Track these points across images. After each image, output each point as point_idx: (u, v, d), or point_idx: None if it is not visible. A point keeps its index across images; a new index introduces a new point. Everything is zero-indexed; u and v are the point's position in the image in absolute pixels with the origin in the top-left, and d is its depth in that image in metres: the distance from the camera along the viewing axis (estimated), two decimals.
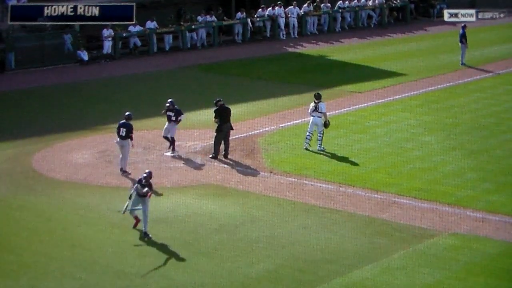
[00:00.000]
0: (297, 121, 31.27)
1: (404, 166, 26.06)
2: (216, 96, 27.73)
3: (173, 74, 40.85)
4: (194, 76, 40.10)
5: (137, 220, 21.31)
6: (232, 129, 27.04)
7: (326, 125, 27.45)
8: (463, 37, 41.40)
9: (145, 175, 21.19)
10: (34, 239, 20.90)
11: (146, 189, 20.97)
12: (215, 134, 26.85)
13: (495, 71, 40.71)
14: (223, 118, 26.77)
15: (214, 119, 26.87)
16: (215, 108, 26.93)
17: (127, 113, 25.58)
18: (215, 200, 23.36)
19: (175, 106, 27.24)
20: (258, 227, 21.42)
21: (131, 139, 25.38)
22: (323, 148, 27.35)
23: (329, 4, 52.44)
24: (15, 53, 40.32)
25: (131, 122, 25.47)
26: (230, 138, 27.20)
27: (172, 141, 27.31)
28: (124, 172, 25.44)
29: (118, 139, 25.46)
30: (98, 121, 29.44)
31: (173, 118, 27.04)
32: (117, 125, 25.61)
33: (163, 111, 27.44)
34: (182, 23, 46.12)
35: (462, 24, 41.42)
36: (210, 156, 26.83)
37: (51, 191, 24.13)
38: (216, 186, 24.56)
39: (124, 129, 25.27)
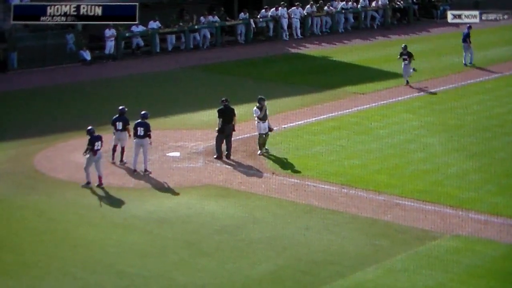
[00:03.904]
0: (300, 122, 31.26)
1: (407, 168, 26.02)
2: (219, 96, 27.69)
3: (176, 74, 40.83)
4: (196, 76, 40.08)
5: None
6: (234, 130, 27.00)
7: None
8: (467, 37, 41.22)
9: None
10: (35, 238, 20.87)
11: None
12: (217, 134, 26.83)
13: (498, 73, 40.62)
14: (225, 118, 26.73)
15: (217, 118, 26.84)
16: (219, 107, 26.88)
17: (142, 112, 25.76)
18: (217, 201, 23.33)
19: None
20: (260, 228, 21.38)
21: (149, 137, 25.48)
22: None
23: (332, 8, 52.39)
24: (18, 52, 40.33)
25: (147, 121, 25.60)
26: (232, 138, 27.15)
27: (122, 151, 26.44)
28: (145, 170, 25.51)
29: (136, 139, 25.48)
30: (100, 121, 29.34)
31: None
32: (133, 125, 25.63)
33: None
34: (181, 23, 46.09)
35: (468, 25, 41.29)
36: (215, 156, 26.79)
37: (53, 191, 24.11)
38: (218, 186, 24.52)
39: (142, 128, 25.41)
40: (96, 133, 24.37)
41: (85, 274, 18.82)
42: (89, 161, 24.30)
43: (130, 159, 26.32)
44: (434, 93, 36.30)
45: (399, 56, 37.66)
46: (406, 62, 37.12)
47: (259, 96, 27.63)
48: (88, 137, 24.28)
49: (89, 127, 24.53)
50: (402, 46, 37.83)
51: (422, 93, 35.16)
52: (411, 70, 37.26)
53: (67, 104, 34.59)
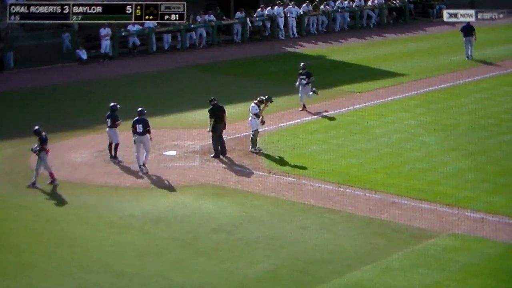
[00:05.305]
0: (297, 121, 31.31)
1: (403, 167, 26.05)
2: (216, 95, 27.72)
3: (172, 73, 40.83)
4: (193, 75, 40.08)
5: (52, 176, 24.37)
6: (225, 128, 27.07)
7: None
8: (472, 31, 41.64)
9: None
10: (33, 238, 20.88)
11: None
12: (211, 134, 26.89)
13: (495, 72, 40.69)
14: (217, 117, 26.80)
15: (209, 119, 26.91)
16: (210, 107, 26.98)
17: (139, 109, 25.87)
18: (214, 200, 23.34)
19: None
20: (257, 227, 21.40)
21: (149, 133, 25.56)
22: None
23: (328, 7, 52.45)
24: (14, 52, 40.31)
25: (145, 117, 25.71)
26: (229, 137, 27.25)
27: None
28: (142, 167, 25.56)
29: (136, 136, 25.55)
30: (97, 120, 29.40)
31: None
32: (131, 123, 25.71)
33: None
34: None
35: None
36: (211, 155, 26.82)
37: (50, 191, 24.10)
38: (215, 185, 24.54)
39: (141, 125, 25.53)
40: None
41: (83, 274, 18.84)
42: (45, 159, 24.31)
43: (126, 157, 26.40)
44: (431, 92, 36.31)
45: (298, 81, 32.68)
46: (304, 82, 32.40)
47: (264, 97, 27.76)
48: (38, 136, 24.35)
49: (36, 127, 24.62)
50: (301, 64, 33.17)
51: (317, 116, 32.14)
52: (311, 93, 32.61)
53: (64, 104, 34.57)
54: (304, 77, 32.46)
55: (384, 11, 55.37)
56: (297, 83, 32.60)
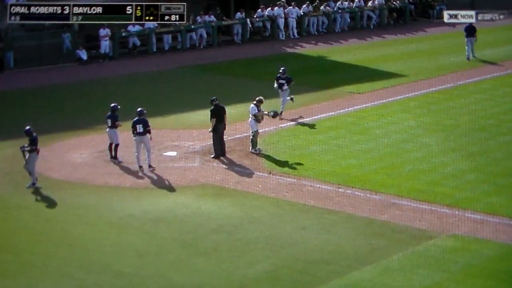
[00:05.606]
0: (297, 122, 31.26)
1: (403, 167, 26.05)
2: (216, 96, 27.70)
3: (172, 74, 40.83)
4: (193, 76, 40.09)
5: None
6: (225, 128, 27.09)
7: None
8: (474, 31, 41.82)
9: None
10: (33, 239, 20.88)
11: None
12: (212, 134, 26.88)
13: (495, 73, 40.72)
14: (219, 117, 26.81)
15: (210, 119, 26.90)
16: (211, 108, 26.98)
17: (138, 109, 25.88)
18: (214, 201, 23.34)
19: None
20: (257, 228, 21.40)
21: (149, 132, 25.58)
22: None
23: (328, 8, 52.49)
24: (14, 52, 40.32)
25: (145, 117, 25.72)
26: (229, 138, 27.23)
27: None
28: (149, 168, 25.54)
29: (136, 136, 25.55)
30: (97, 120, 29.41)
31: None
32: (131, 124, 25.70)
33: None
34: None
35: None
36: (212, 156, 26.82)
37: (50, 191, 24.10)
38: (215, 186, 24.54)
39: (141, 125, 25.57)
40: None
41: (83, 274, 18.83)
42: (34, 161, 24.12)
43: (126, 158, 26.41)
44: (431, 93, 36.31)
45: (275, 83, 31.65)
46: (285, 87, 31.26)
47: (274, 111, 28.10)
48: (29, 137, 24.12)
49: (28, 127, 24.40)
50: (281, 69, 31.82)
51: (293, 122, 31.09)
52: (288, 99, 31.26)
53: (64, 104, 34.58)
54: (284, 81, 31.42)
55: (384, 12, 55.39)
56: (276, 86, 31.64)
